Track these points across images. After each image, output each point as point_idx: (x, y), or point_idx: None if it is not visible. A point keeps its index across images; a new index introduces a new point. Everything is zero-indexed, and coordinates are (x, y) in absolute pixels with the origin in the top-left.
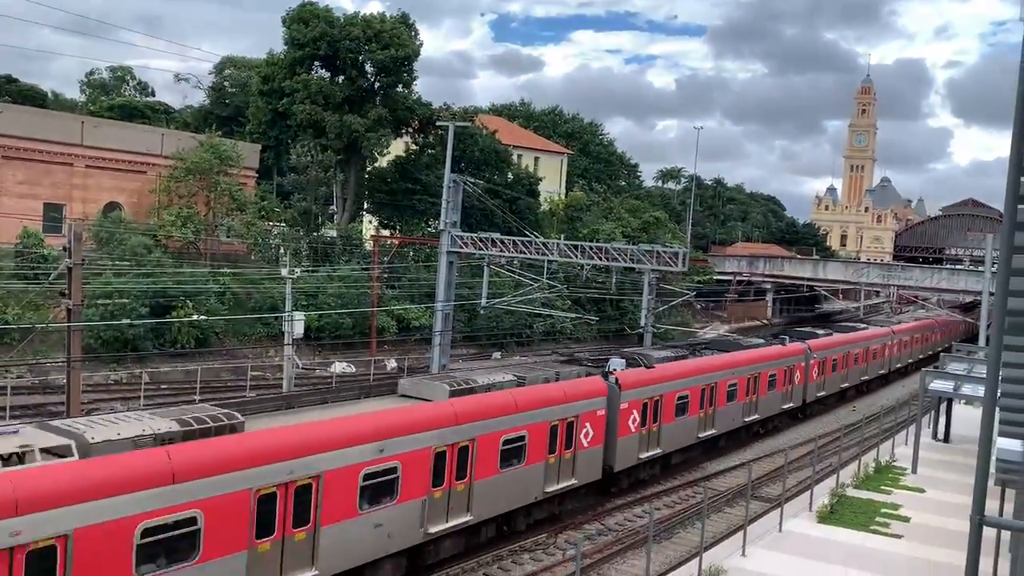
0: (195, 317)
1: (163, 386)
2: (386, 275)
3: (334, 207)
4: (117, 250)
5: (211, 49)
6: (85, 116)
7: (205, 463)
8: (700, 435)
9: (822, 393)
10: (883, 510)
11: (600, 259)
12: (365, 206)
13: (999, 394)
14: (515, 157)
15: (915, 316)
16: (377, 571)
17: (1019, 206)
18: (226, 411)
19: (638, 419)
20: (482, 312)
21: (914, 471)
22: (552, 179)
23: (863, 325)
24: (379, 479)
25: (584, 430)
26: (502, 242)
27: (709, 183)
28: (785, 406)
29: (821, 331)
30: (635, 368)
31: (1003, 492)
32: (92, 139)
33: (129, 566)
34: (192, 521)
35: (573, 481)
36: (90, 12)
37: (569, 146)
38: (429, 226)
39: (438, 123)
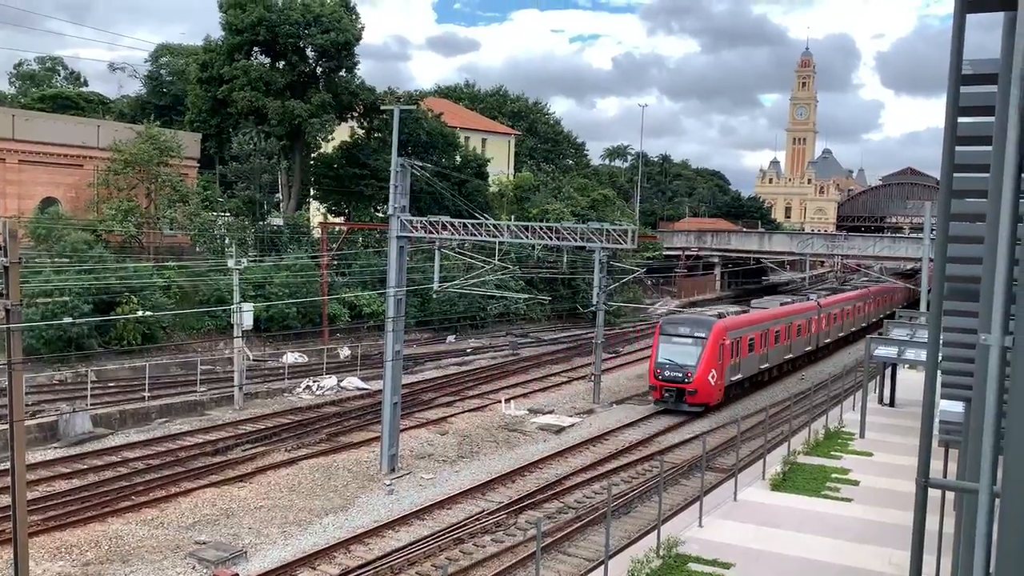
0: (140, 313)
1: (110, 384)
2: (336, 262)
3: (279, 195)
4: (56, 247)
5: (145, 37)
6: (16, 109)
7: (753, 321)
8: (840, 334)
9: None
10: (833, 475)
11: (551, 239)
12: (311, 193)
13: (940, 358)
14: (462, 139)
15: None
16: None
17: (955, 174)
18: (740, 305)
19: (825, 322)
20: (435, 296)
21: (862, 436)
22: (500, 160)
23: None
24: (778, 332)
25: (811, 325)
26: (452, 225)
27: (656, 160)
28: (863, 325)
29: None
30: (821, 297)
31: (947, 452)
32: (25, 133)
33: (747, 349)
34: (753, 339)
35: (810, 347)
36: (12, 0)
37: (515, 127)
38: (378, 211)
39: (382, 108)
